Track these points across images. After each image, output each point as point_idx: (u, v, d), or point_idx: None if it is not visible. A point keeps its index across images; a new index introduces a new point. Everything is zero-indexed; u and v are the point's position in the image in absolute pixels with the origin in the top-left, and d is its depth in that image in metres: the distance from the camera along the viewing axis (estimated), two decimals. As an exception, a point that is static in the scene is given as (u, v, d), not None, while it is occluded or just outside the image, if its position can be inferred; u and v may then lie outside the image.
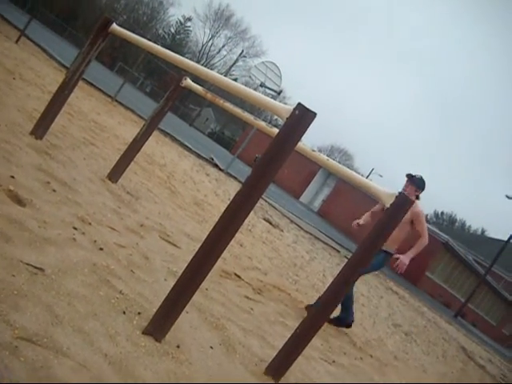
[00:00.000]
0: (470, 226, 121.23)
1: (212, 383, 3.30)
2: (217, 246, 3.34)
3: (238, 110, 5.71)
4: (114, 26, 6.22)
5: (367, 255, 3.80)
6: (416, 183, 6.80)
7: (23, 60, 13.64)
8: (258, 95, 4.10)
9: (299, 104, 3.30)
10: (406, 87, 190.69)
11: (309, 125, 3.31)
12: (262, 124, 5.41)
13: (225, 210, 3.37)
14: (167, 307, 3.35)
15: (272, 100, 3.83)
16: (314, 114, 3.29)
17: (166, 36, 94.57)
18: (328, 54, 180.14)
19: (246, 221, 3.81)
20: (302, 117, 3.28)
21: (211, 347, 3.77)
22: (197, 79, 5.65)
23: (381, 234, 3.71)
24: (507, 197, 45.14)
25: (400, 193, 3.71)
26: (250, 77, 23.59)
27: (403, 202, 3.68)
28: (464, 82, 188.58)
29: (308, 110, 3.27)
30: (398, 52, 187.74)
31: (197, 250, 3.40)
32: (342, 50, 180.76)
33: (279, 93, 23.05)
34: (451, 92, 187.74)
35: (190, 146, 21.02)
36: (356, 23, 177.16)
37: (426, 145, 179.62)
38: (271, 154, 3.31)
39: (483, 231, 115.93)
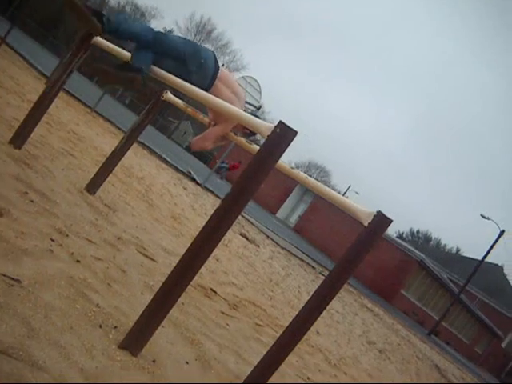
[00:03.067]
0: (445, 245, 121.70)
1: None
2: (195, 261, 3.34)
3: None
4: (97, 37, 6.22)
5: (344, 274, 3.81)
6: None
7: (3, 68, 13.57)
8: (239, 111, 4.12)
9: (280, 122, 3.32)
10: (384, 105, 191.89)
11: (290, 143, 3.33)
12: (241, 139, 5.43)
13: (204, 226, 3.37)
14: (144, 321, 3.35)
15: (253, 117, 3.85)
16: (295, 133, 3.31)
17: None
18: (307, 70, 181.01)
19: (224, 236, 3.83)
20: (283, 135, 3.30)
21: (187, 362, 3.76)
22: (177, 92, 5.66)
23: (358, 252, 3.72)
24: (482, 216, 45.51)
25: (378, 212, 3.73)
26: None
27: (381, 221, 3.70)
28: (442, 98, 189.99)
29: (289, 128, 3.29)
30: (377, 71, 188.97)
31: (173, 264, 3.40)
32: (321, 65, 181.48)
33: (258, 108, 23.10)
34: (425, 109, 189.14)
35: (168, 159, 20.97)
36: (338, 40, 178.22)
37: (402, 163, 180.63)
38: (251, 172, 3.33)
39: (458, 250, 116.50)
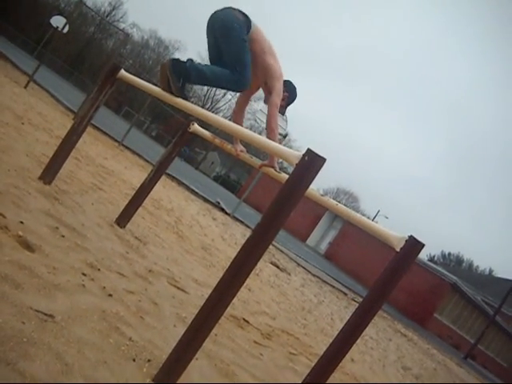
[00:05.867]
0: (477, 266, 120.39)
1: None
2: (227, 292, 3.32)
3: (246, 155, 5.73)
4: (122, 71, 6.27)
5: (378, 301, 3.77)
6: (286, 86, 5.93)
7: (32, 105, 13.75)
8: (267, 140, 4.12)
9: (309, 150, 3.30)
10: (414, 130, 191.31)
11: (318, 171, 3.31)
12: (269, 169, 5.42)
13: (235, 257, 3.36)
14: (177, 354, 3.33)
15: (281, 146, 3.85)
16: (324, 160, 3.29)
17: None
18: (334, 96, 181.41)
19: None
20: (312, 163, 3.28)
21: (221, 394, 3.74)
22: (203, 123, 5.67)
23: (391, 278, 3.69)
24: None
25: (410, 236, 3.69)
26: (255, 120, 23.67)
27: (414, 246, 3.67)
28: (468, 123, 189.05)
29: (317, 155, 3.28)
30: (404, 97, 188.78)
31: (205, 295, 3.39)
32: (348, 92, 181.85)
33: (285, 136, 23.11)
34: (460, 137, 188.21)
35: (196, 189, 21.05)
36: (367, 66, 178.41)
37: (430, 185, 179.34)
38: (281, 201, 3.31)
39: (491, 271, 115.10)
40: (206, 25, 5.56)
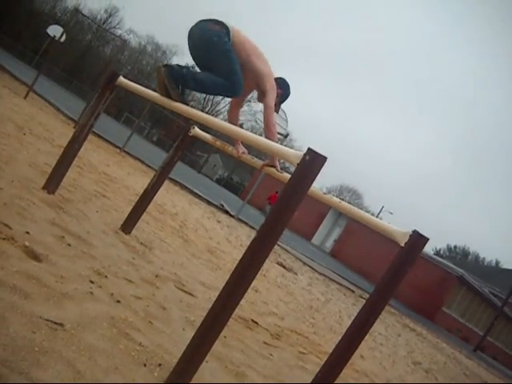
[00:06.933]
0: (483, 258, 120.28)
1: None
2: (235, 293, 3.34)
3: (247, 157, 5.75)
4: (121, 78, 6.30)
5: (385, 296, 3.79)
6: (279, 83, 5.94)
7: (32, 115, 13.79)
8: (267, 142, 4.14)
9: (309, 149, 3.32)
10: (417, 123, 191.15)
11: (320, 169, 3.33)
12: (271, 169, 5.44)
13: (241, 258, 3.38)
14: (188, 357, 3.35)
15: (282, 146, 3.87)
16: (325, 159, 3.31)
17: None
18: (335, 94, 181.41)
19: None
20: (313, 162, 3.30)
21: (233, 395, 3.75)
22: (204, 125, 5.69)
23: (397, 273, 3.70)
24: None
25: (414, 231, 3.71)
26: (255, 121, 23.70)
27: (418, 240, 3.68)
28: (472, 116, 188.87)
29: (318, 154, 3.29)
30: (403, 90, 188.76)
31: (213, 298, 3.40)
32: (349, 89, 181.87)
33: (286, 136, 23.11)
34: (463, 129, 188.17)
35: (199, 193, 21.08)
36: (368, 64, 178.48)
37: (434, 178, 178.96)
38: (284, 201, 3.33)
39: (497, 262, 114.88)
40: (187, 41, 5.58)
